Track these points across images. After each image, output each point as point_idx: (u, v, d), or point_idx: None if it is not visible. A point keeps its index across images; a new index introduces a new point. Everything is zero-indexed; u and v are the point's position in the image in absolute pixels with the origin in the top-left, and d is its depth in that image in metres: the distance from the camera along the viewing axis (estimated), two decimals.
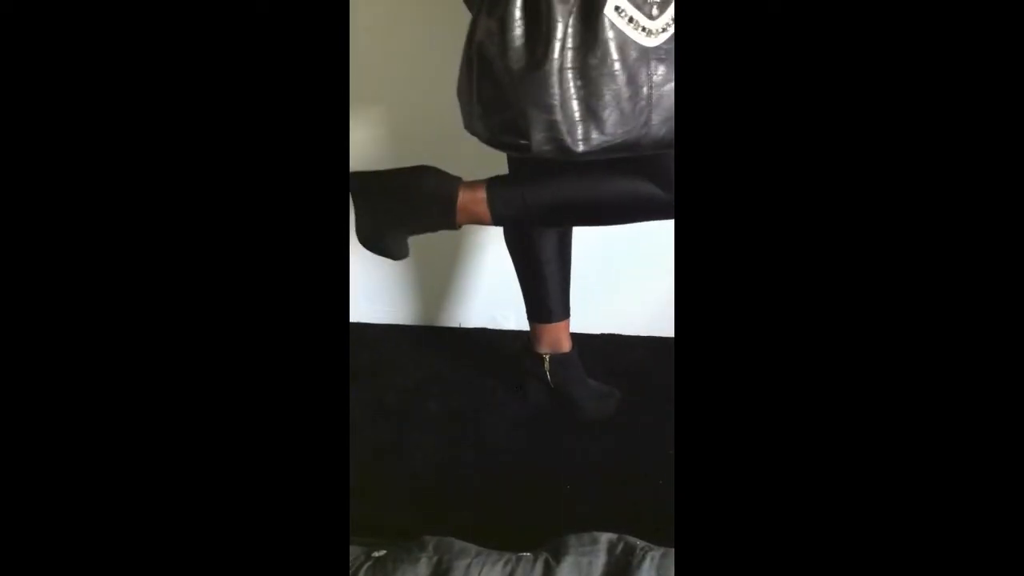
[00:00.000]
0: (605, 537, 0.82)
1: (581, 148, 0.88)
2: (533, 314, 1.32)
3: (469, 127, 0.96)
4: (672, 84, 0.88)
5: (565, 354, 1.33)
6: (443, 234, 1.52)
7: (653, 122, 0.89)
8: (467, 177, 1.11)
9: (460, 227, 1.12)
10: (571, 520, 1.08)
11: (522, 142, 0.89)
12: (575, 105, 0.87)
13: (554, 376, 1.33)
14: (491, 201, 1.08)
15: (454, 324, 1.62)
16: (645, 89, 0.87)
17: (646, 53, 0.86)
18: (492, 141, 0.93)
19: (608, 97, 0.86)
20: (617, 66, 0.85)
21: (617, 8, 0.84)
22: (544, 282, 1.27)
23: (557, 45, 0.84)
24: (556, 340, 1.32)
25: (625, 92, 0.87)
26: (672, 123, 0.90)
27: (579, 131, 0.88)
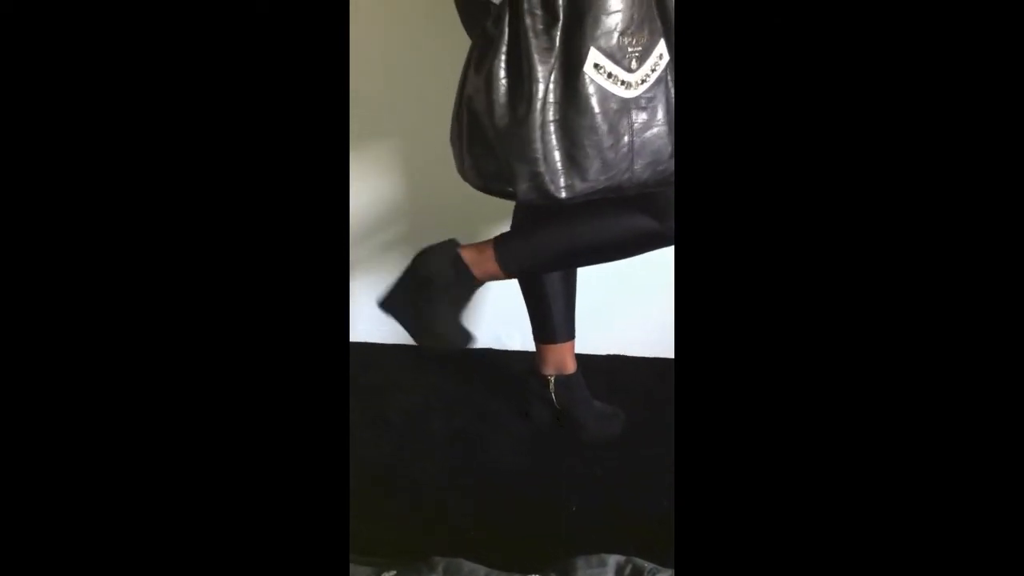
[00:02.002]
0: (613, 559, 0.82)
1: (564, 195, 0.94)
2: (539, 335, 1.33)
3: (461, 173, 1.02)
4: (655, 129, 0.94)
5: (570, 375, 1.34)
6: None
7: (636, 167, 0.95)
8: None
9: (483, 283, 1.20)
10: (578, 541, 1.08)
11: (509, 190, 0.95)
12: (557, 156, 0.93)
13: (559, 397, 1.34)
14: (501, 259, 1.17)
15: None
16: (627, 137, 0.93)
17: (626, 104, 0.92)
18: (483, 188, 0.99)
19: (589, 148, 0.92)
20: (598, 119, 0.91)
21: (596, 65, 0.90)
22: (549, 303, 1.29)
23: (538, 103, 0.90)
24: (561, 361, 1.33)
25: (607, 142, 0.92)
26: (656, 166, 0.96)
27: (562, 180, 0.94)
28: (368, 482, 1.25)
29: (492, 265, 1.18)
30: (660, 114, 0.95)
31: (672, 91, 0.95)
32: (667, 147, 0.95)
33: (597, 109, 0.91)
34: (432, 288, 1.20)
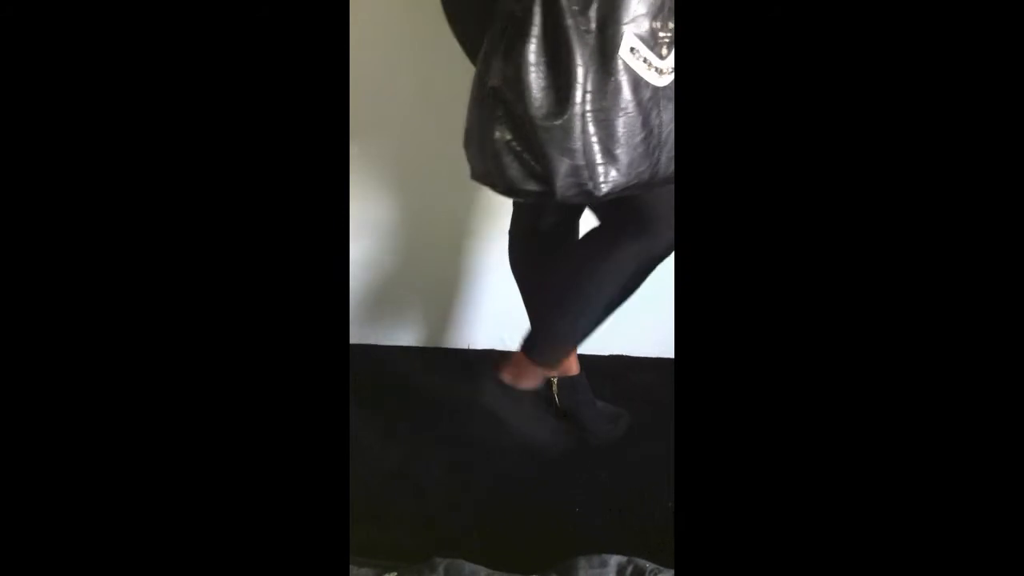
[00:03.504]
0: (615, 559, 0.82)
1: (604, 190, 0.88)
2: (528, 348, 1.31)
3: (480, 176, 0.95)
4: None
5: (573, 377, 1.34)
6: (451, 256, 1.54)
7: (662, 160, 0.90)
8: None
9: (535, 388, 1.20)
10: (581, 542, 1.08)
11: (544, 189, 0.89)
12: (596, 148, 0.86)
13: (562, 399, 1.34)
14: (541, 361, 1.17)
15: (463, 345, 1.62)
16: (656, 128, 0.88)
17: (656, 93, 0.87)
18: (510, 190, 0.92)
19: (624, 138, 0.86)
20: (632, 107, 0.85)
21: (632, 49, 0.84)
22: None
23: (579, 91, 0.84)
24: (565, 363, 1.33)
25: (639, 133, 0.87)
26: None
27: (600, 174, 0.87)
28: (376, 482, 1.26)
29: (535, 370, 1.19)
30: None
31: None
32: None
33: (631, 97, 0.85)
34: (505, 422, 1.21)
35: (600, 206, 1.09)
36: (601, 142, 0.86)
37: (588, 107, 0.85)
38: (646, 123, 0.87)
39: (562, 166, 0.86)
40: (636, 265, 1.08)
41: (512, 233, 1.27)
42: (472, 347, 1.62)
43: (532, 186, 0.89)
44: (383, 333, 1.63)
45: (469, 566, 0.83)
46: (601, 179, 0.87)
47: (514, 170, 0.89)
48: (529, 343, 1.20)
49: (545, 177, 0.88)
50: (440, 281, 1.56)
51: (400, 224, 1.52)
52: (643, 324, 1.53)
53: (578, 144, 0.85)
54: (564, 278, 1.13)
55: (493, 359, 1.26)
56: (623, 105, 0.85)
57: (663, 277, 1.42)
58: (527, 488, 1.25)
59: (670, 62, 0.86)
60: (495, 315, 1.58)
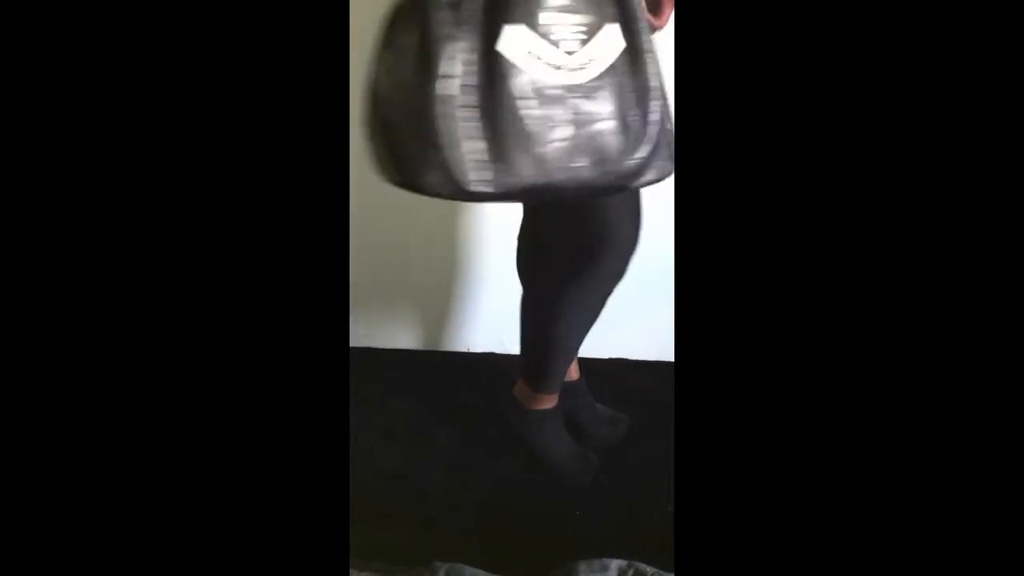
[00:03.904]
0: (615, 563, 0.82)
1: (488, 189, 0.83)
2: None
3: (376, 171, 0.92)
4: (601, 124, 0.83)
5: (574, 382, 1.34)
6: (450, 258, 1.54)
7: (577, 164, 0.84)
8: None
9: (551, 407, 1.27)
10: (581, 546, 1.08)
11: (419, 182, 0.85)
12: (478, 145, 0.82)
13: (564, 403, 1.34)
14: (538, 387, 1.25)
15: (462, 348, 1.62)
16: (567, 130, 0.82)
17: (566, 91, 0.82)
18: (399, 183, 0.89)
19: (516, 138, 0.81)
20: (523, 105, 0.81)
21: (516, 44, 0.80)
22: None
23: (440, 83, 0.80)
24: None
25: (541, 133, 0.82)
26: (604, 165, 0.84)
27: (475, 173, 0.83)
28: (376, 485, 1.26)
29: (537, 394, 1.25)
30: (610, 107, 0.83)
31: (630, 83, 0.84)
32: (618, 144, 0.84)
33: (517, 94, 0.80)
34: (526, 444, 1.27)
35: (559, 220, 1.09)
36: (487, 140, 0.82)
37: (470, 101, 0.81)
38: (547, 121, 0.81)
39: (430, 159, 0.82)
40: (604, 290, 1.12)
41: (518, 239, 1.27)
42: (471, 350, 1.62)
43: (411, 179, 0.86)
44: (382, 336, 1.63)
45: (470, 570, 0.83)
46: (476, 176, 0.82)
47: (395, 162, 0.87)
48: (523, 368, 1.24)
49: (418, 171, 0.84)
50: (439, 283, 1.56)
51: (399, 226, 1.52)
52: (643, 327, 1.53)
53: (445, 138, 0.81)
54: (542, 321, 1.18)
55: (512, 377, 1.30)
56: (509, 101, 0.80)
57: (659, 281, 1.43)
58: (527, 491, 1.25)
59: (582, 58, 0.82)
60: (494, 317, 1.58)
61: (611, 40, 0.83)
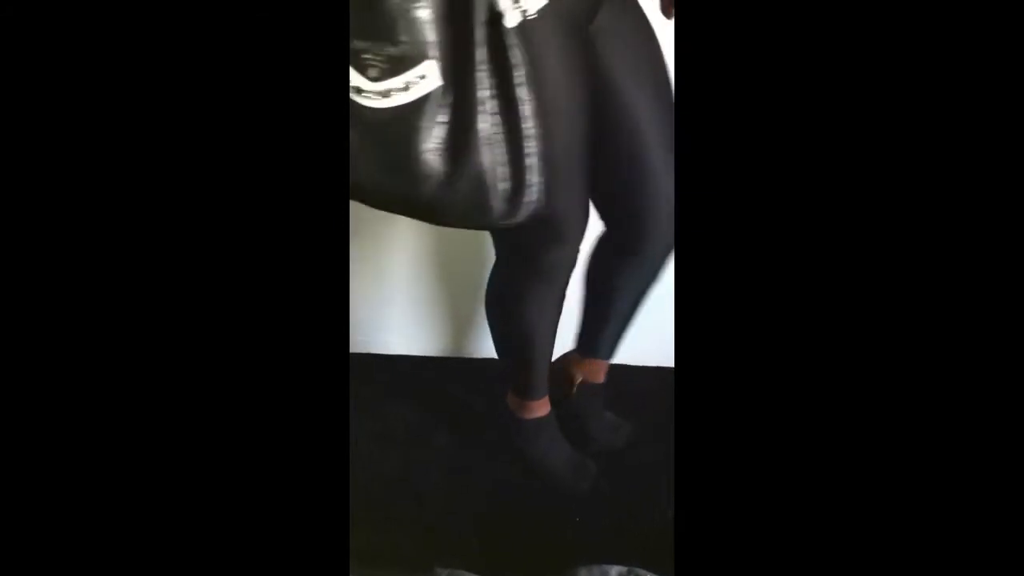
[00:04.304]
0: (615, 570, 0.82)
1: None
2: (586, 348, 1.33)
3: None
4: (433, 146, 0.81)
5: (596, 385, 1.35)
6: (449, 264, 1.53)
7: (424, 190, 0.83)
8: None
9: (544, 415, 1.28)
10: (581, 551, 1.08)
11: None
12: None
13: (577, 402, 1.34)
14: (517, 392, 1.27)
15: (462, 354, 1.62)
16: (405, 153, 0.81)
17: (390, 116, 0.80)
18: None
19: (365, 162, 0.82)
20: (358, 140, 0.81)
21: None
22: (610, 321, 1.27)
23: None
24: (595, 372, 1.34)
25: (379, 157, 0.82)
26: (449, 186, 0.83)
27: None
28: (376, 491, 1.25)
29: (526, 402, 1.26)
30: (435, 136, 0.81)
31: (455, 118, 0.81)
32: (442, 167, 0.82)
33: (356, 131, 0.80)
34: (526, 456, 1.28)
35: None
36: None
37: None
38: (381, 146, 0.82)
39: None
40: (561, 281, 1.12)
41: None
42: (470, 356, 1.62)
43: None
44: (380, 341, 1.63)
45: None
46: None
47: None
48: (513, 383, 1.25)
49: None
50: (437, 290, 1.56)
51: (399, 232, 1.52)
52: (642, 333, 1.53)
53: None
54: (508, 323, 1.19)
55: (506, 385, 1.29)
56: (352, 135, 0.81)
57: (663, 286, 1.43)
58: (527, 496, 1.25)
59: (387, 84, 0.80)
60: None
61: (422, 74, 0.80)
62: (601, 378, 1.35)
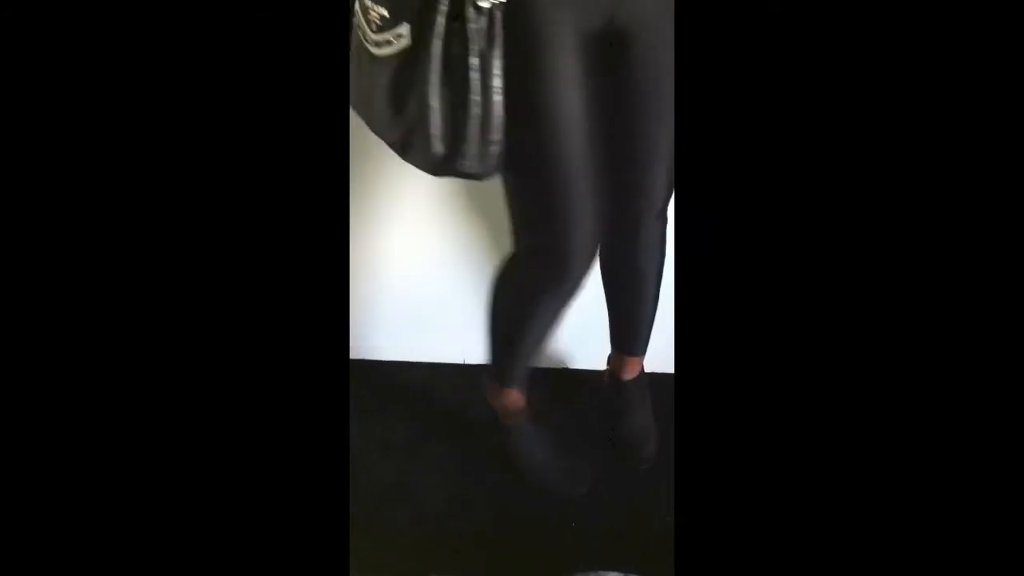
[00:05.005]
0: (612, 575, 0.82)
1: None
2: (626, 345, 1.35)
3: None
4: (396, 100, 0.91)
5: (624, 381, 1.37)
6: (446, 268, 1.53)
7: (417, 134, 0.91)
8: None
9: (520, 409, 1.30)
10: (578, 558, 1.08)
11: None
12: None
13: (604, 397, 1.36)
14: (491, 378, 1.30)
15: (458, 360, 1.62)
16: (397, 99, 0.91)
17: (376, 63, 0.91)
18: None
19: (363, 104, 0.94)
20: (358, 76, 0.93)
21: (355, 23, 0.91)
22: (645, 314, 1.30)
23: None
24: (620, 367, 1.37)
25: (373, 99, 0.92)
26: (404, 135, 0.92)
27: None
28: (374, 499, 1.25)
29: (503, 389, 1.27)
30: (398, 91, 0.91)
31: (414, 77, 0.90)
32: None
33: (357, 63, 0.92)
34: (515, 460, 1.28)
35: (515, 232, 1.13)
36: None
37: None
38: (373, 89, 0.91)
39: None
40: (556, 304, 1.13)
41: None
42: (467, 362, 1.61)
43: None
44: (377, 347, 1.63)
45: None
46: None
47: None
48: (487, 366, 1.27)
49: None
50: (435, 296, 1.55)
51: (395, 235, 1.52)
52: None
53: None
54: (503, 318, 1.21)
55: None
56: (354, 72, 0.92)
57: (663, 292, 1.42)
58: (525, 502, 1.24)
59: (379, 37, 0.89)
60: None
61: (401, 33, 0.88)
62: (625, 374, 1.36)
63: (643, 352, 1.36)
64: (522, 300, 1.16)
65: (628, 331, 1.32)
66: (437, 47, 0.86)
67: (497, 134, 0.89)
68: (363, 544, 1.10)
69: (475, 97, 0.87)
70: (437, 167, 0.93)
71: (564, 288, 1.10)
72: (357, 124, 1.20)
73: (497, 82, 0.87)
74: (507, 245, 1.46)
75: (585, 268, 1.08)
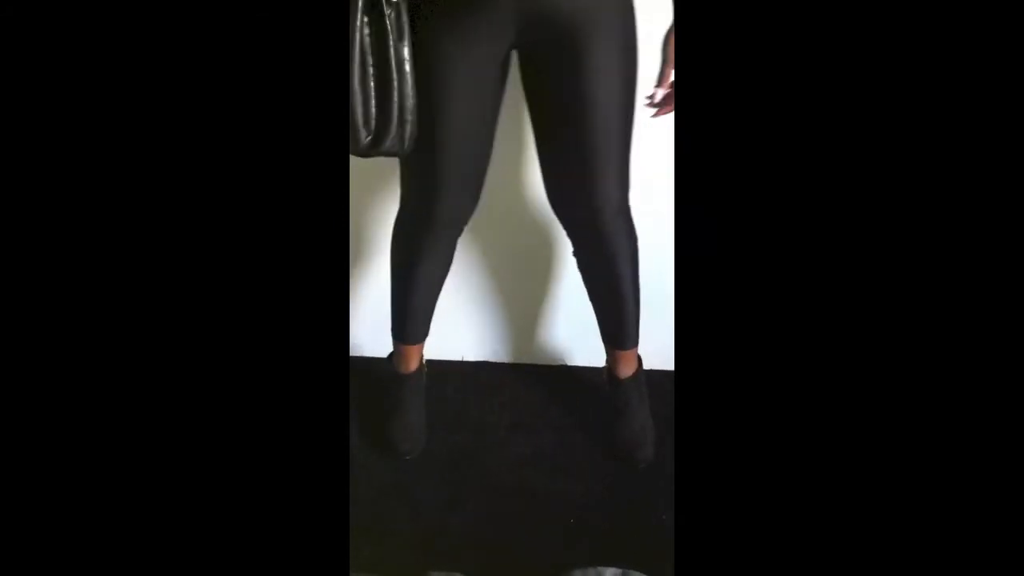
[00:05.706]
0: (610, 572, 0.82)
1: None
2: (617, 341, 1.35)
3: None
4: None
5: (622, 380, 1.37)
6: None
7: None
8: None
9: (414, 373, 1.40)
10: (575, 555, 1.08)
11: None
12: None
13: (606, 396, 1.36)
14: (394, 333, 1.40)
15: (456, 357, 1.62)
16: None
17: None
18: None
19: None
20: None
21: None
22: (625, 304, 1.31)
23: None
24: (616, 364, 1.37)
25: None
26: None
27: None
28: (372, 498, 1.25)
29: (398, 345, 1.35)
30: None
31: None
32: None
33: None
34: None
35: None
36: None
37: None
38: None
39: None
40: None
41: None
42: (465, 359, 1.61)
43: None
44: (376, 345, 1.63)
45: None
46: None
47: None
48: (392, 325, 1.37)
49: None
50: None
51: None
52: (643, 336, 1.53)
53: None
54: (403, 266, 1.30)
55: None
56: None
57: (659, 291, 1.42)
58: (523, 501, 1.24)
59: None
60: (488, 327, 1.57)
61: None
62: (621, 371, 1.36)
63: (634, 345, 1.35)
64: (404, 259, 1.28)
65: (612, 323, 1.32)
66: (356, 38, 0.94)
67: (411, 115, 0.99)
68: (361, 544, 1.10)
69: (394, 83, 0.96)
70: (363, 150, 1.00)
71: (437, 250, 1.23)
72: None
73: (408, 67, 0.96)
74: (503, 244, 1.46)
75: (452, 234, 1.23)
